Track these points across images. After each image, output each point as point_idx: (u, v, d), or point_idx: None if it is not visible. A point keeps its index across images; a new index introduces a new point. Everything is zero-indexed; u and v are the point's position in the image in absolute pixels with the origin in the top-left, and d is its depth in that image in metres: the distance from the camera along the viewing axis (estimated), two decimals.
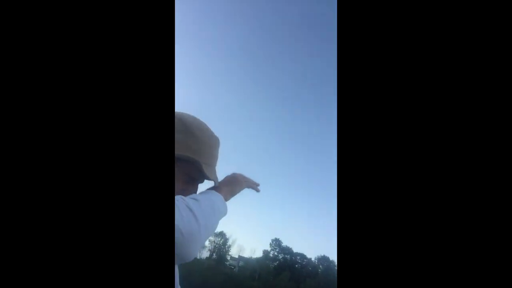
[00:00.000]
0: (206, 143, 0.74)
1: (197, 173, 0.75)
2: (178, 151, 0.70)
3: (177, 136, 0.70)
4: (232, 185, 0.75)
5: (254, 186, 0.82)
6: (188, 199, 0.56)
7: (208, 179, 0.77)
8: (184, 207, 0.51)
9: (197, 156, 0.72)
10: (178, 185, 0.73)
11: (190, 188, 0.74)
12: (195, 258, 0.57)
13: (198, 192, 0.76)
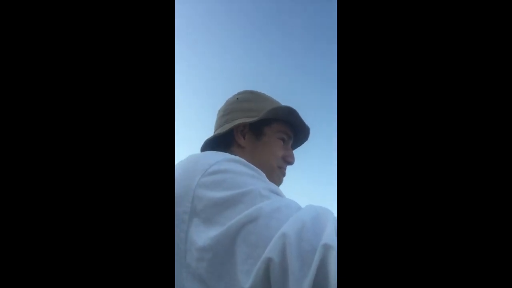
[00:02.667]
0: (277, 102, 0.78)
1: (288, 127, 0.77)
2: (275, 115, 0.74)
3: (253, 105, 0.76)
4: None
5: None
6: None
7: (304, 128, 0.79)
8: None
9: (291, 110, 0.75)
10: (277, 151, 0.75)
11: (288, 152, 0.77)
12: None
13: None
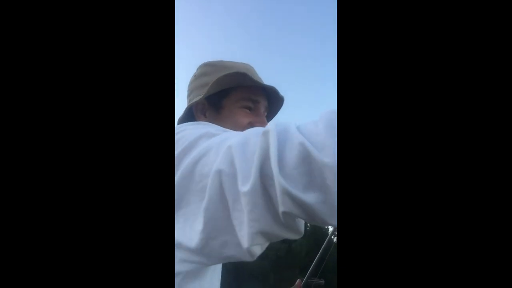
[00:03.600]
0: (238, 65, 0.71)
1: (253, 91, 0.69)
2: (223, 85, 0.67)
3: (210, 78, 0.69)
4: None
5: None
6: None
7: (268, 89, 0.70)
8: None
9: (240, 75, 0.66)
10: (240, 120, 0.68)
11: (257, 118, 0.70)
12: None
13: None
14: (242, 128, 0.67)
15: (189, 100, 0.75)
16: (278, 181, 0.33)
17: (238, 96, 0.70)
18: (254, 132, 0.39)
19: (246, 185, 0.35)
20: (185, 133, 0.47)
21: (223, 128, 0.51)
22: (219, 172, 0.37)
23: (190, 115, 0.73)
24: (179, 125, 0.52)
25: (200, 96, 0.69)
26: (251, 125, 0.69)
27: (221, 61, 0.75)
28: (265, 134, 0.36)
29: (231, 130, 0.50)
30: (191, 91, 0.76)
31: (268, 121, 0.75)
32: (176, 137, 0.47)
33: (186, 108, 0.73)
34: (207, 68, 0.75)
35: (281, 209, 0.34)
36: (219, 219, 0.38)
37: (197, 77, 0.76)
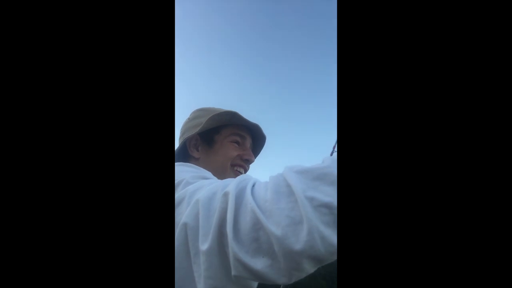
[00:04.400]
0: (221, 110, 0.80)
1: (240, 129, 0.80)
2: (217, 121, 0.77)
3: (203, 119, 0.79)
4: None
5: None
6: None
7: (253, 127, 0.82)
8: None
9: (232, 113, 0.77)
10: (230, 153, 0.77)
11: (245, 151, 0.79)
12: None
13: None
14: (228, 158, 0.77)
15: (182, 140, 0.83)
16: (231, 246, 0.36)
17: (228, 132, 0.81)
18: (220, 187, 0.42)
19: (204, 243, 0.38)
20: None
21: (202, 170, 0.58)
22: (185, 225, 0.41)
23: (183, 151, 0.81)
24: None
25: (194, 132, 0.78)
26: (239, 157, 0.79)
27: (212, 107, 0.86)
28: (226, 195, 0.40)
29: (207, 174, 0.56)
30: (183, 132, 0.85)
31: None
32: None
33: (180, 145, 0.81)
34: (199, 112, 0.86)
35: (233, 272, 0.37)
36: (183, 269, 0.42)
37: (190, 120, 0.86)
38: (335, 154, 0.43)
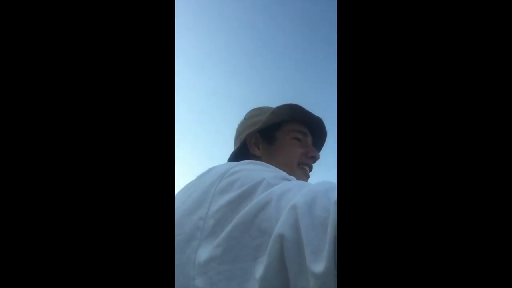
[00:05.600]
0: (287, 104, 0.77)
1: (301, 126, 0.77)
2: (279, 115, 0.74)
3: (260, 117, 0.77)
4: None
5: None
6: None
7: (315, 121, 0.78)
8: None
9: (294, 107, 0.74)
10: (294, 150, 0.74)
11: (308, 149, 0.76)
12: None
13: None
14: (293, 157, 0.74)
15: (239, 139, 0.80)
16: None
17: (289, 128, 0.77)
18: (321, 190, 0.35)
19: (317, 263, 0.30)
20: (241, 175, 0.46)
21: (278, 169, 0.50)
22: (281, 237, 0.33)
23: (242, 151, 0.78)
24: (234, 163, 0.52)
25: (254, 129, 0.75)
26: (304, 154, 0.75)
27: (267, 106, 0.83)
28: (336, 204, 0.31)
29: (285, 174, 0.48)
30: (241, 132, 0.82)
31: None
32: (232, 177, 0.46)
33: (239, 144, 0.78)
34: (256, 111, 0.84)
35: None
36: None
37: (247, 119, 0.84)
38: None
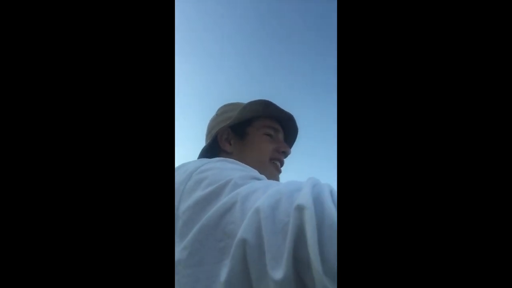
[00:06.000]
0: (258, 100, 0.76)
1: (272, 122, 0.77)
2: (251, 111, 0.74)
3: (232, 113, 0.76)
4: None
5: None
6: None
7: (286, 117, 0.77)
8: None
9: (265, 103, 0.74)
10: (265, 146, 0.74)
11: (279, 144, 0.76)
12: None
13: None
14: (264, 152, 0.73)
15: (211, 135, 0.79)
16: (319, 279, 0.29)
17: (261, 124, 0.76)
18: (285, 194, 0.35)
19: (277, 270, 0.30)
20: (210, 173, 0.45)
21: (248, 167, 0.49)
22: (244, 242, 0.33)
23: (213, 146, 0.76)
24: (204, 160, 0.50)
25: (224, 124, 0.74)
26: (275, 150, 0.74)
27: (239, 102, 0.81)
28: (300, 210, 0.31)
29: (255, 173, 0.47)
30: (212, 128, 0.81)
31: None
32: (200, 175, 0.45)
33: (210, 140, 0.77)
34: (227, 107, 0.82)
35: None
36: None
37: (218, 115, 0.82)
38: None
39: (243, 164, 0.51)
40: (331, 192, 0.34)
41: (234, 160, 0.52)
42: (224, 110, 0.82)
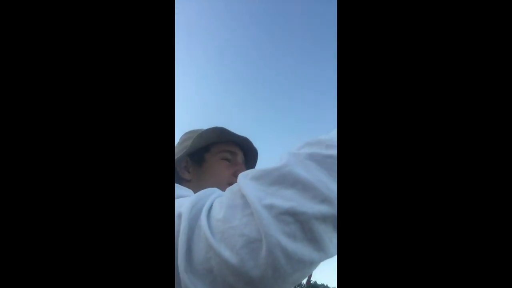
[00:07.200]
0: (212, 128, 0.77)
1: (230, 145, 0.78)
2: (206, 139, 0.74)
3: (188, 142, 0.76)
4: None
5: None
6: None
7: (242, 141, 0.78)
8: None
9: (219, 130, 0.74)
10: (222, 171, 0.75)
11: (237, 167, 0.75)
12: None
13: None
14: (221, 178, 0.73)
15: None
16: (184, 282, 0.32)
17: (218, 149, 0.77)
18: (185, 206, 0.37)
19: (182, 273, 0.34)
20: None
21: (183, 189, 0.51)
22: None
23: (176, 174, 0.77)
24: None
25: (183, 153, 0.75)
26: (234, 175, 0.74)
27: (200, 128, 0.83)
28: (179, 218, 0.34)
29: (184, 192, 0.49)
30: (176, 155, 0.82)
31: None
32: None
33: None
34: (188, 135, 0.83)
35: None
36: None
37: (180, 143, 0.84)
38: (291, 150, 0.35)
39: (181, 187, 0.52)
40: (214, 199, 0.36)
41: (183, 188, 0.52)
42: (185, 137, 0.83)
